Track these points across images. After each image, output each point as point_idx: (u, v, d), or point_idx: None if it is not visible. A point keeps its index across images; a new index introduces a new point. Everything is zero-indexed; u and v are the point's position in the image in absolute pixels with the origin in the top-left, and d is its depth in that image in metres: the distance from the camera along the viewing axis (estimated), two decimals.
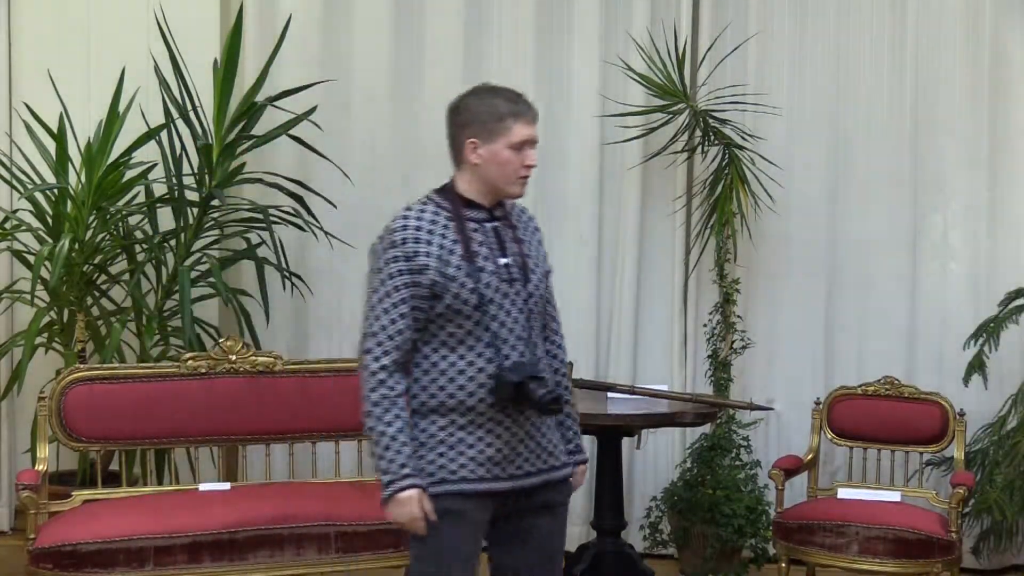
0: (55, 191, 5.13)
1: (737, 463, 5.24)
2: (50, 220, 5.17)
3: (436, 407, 3.02)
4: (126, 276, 5.28)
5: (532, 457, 3.10)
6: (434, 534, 3.01)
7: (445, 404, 3.01)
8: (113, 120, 5.20)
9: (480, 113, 3.09)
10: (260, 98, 5.26)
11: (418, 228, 3.04)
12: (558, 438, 3.19)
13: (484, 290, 3.00)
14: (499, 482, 3.05)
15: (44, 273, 4.99)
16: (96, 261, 5.23)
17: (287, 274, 5.31)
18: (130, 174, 5.22)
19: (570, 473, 3.22)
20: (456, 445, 3.01)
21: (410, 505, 2.96)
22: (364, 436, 4.77)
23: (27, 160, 5.30)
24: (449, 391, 3.01)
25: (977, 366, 4.95)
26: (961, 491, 4.53)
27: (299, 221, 5.30)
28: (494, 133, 3.07)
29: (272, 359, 4.74)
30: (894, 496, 4.77)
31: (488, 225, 3.11)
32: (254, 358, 4.71)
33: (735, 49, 5.43)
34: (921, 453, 5.03)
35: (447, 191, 3.15)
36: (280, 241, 5.25)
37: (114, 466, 5.03)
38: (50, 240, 5.07)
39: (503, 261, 3.08)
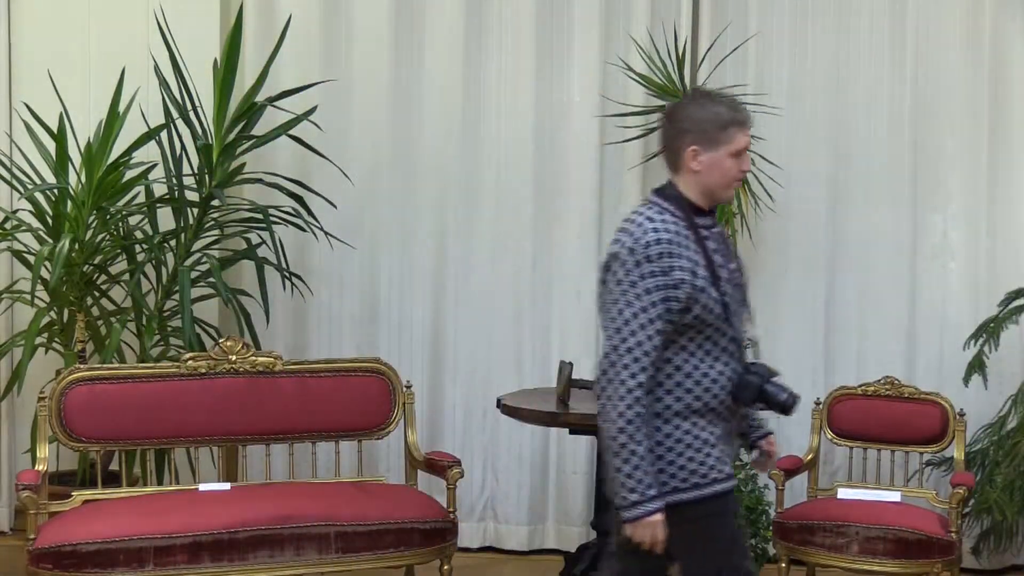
0: (55, 191, 5.13)
1: (737, 463, 5.24)
2: (50, 220, 5.17)
3: (681, 410, 3.07)
4: (126, 276, 5.27)
5: (730, 459, 3.21)
6: (720, 530, 3.13)
7: (691, 407, 3.07)
8: (113, 120, 5.20)
9: (702, 121, 3.08)
10: (260, 98, 5.26)
11: (669, 241, 3.02)
12: None
13: (726, 298, 3.06)
14: (729, 480, 3.14)
15: (44, 273, 4.99)
16: (96, 261, 5.23)
17: (287, 274, 5.31)
18: (130, 174, 5.22)
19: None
20: (702, 448, 3.07)
21: (655, 528, 3.01)
22: (363, 436, 4.86)
23: (27, 160, 5.30)
24: (696, 394, 3.06)
25: (977, 366, 4.95)
26: (961, 491, 4.53)
27: (299, 221, 5.30)
28: (716, 141, 3.07)
29: (272, 359, 4.75)
30: (894, 496, 4.77)
31: (714, 231, 3.15)
32: (254, 358, 4.72)
33: (735, 49, 5.43)
34: (921, 453, 5.03)
35: (673, 197, 3.12)
36: (280, 241, 5.25)
37: (114, 466, 5.03)
38: (50, 240, 5.07)
39: (732, 266, 3.15)
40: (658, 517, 3.01)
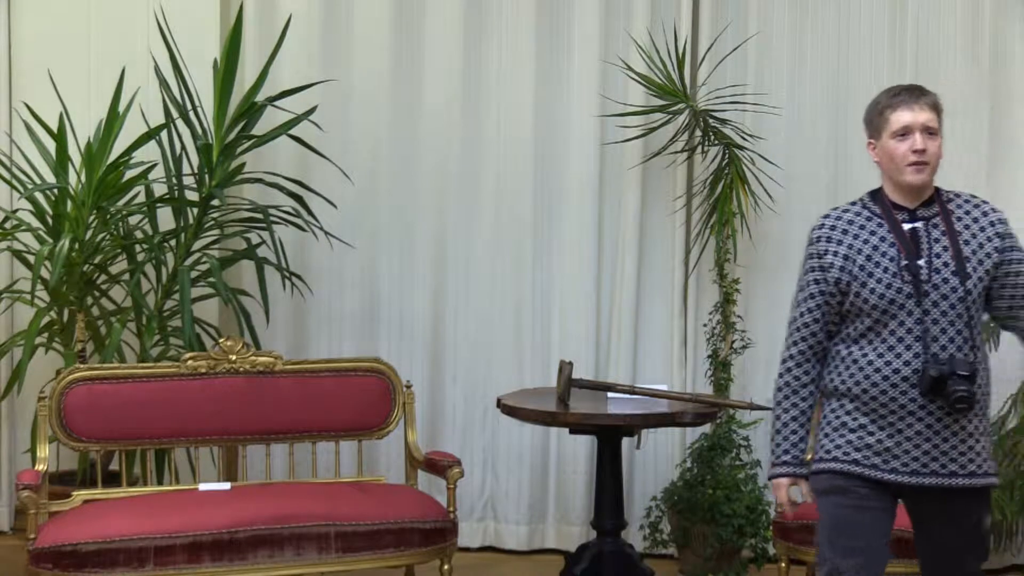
0: (55, 191, 5.13)
1: (737, 463, 5.24)
2: (50, 220, 5.17)
3: (832, 391, 3.24)
4: (126, 276, 5.28)
5: (928, 459, 3.14)
6: (822, 508, 3.25)
7: (838, 389, 3.22)
8: (113, 120, 5.20)
9: (868, 113, 3.27)
10: (260, 98, 5.26)
11: (832, 228, 3.25)
12: (982, 448, 3.19)
13: (884, 290, 3.12)
14: (875, 471, 3.16)
15: (44, 273, 4.99)
16: (96, 261, 5.23)
17: (287, 274, 5.31)
18: (130, 174, 5.22)
19: (975, 485, 3.19)
20: (839, 428, 3.22)
21: (777, 490, 3.30)
22: (363, 436, 4.87)
23: (27, 160, 5.31)
24: (842, 378, 3.21)
25: None
26: None
27: (299, 221, 5.30)
28: (878, 128, 3.23)
29: (272, 359, 4.75)
30: None
31: (907, 227, 3.19)
32: (254, 358, 4.72)
33: (735, 49, 5.43)
34: None
35: (876, 193, 3.28)
36: (280, 241, 5.25)
37: (114, 466, 5.04)
38: (50, 240, 5.07)
39: (920, 263, 3.14)
40: (778, 481, 3.26)
